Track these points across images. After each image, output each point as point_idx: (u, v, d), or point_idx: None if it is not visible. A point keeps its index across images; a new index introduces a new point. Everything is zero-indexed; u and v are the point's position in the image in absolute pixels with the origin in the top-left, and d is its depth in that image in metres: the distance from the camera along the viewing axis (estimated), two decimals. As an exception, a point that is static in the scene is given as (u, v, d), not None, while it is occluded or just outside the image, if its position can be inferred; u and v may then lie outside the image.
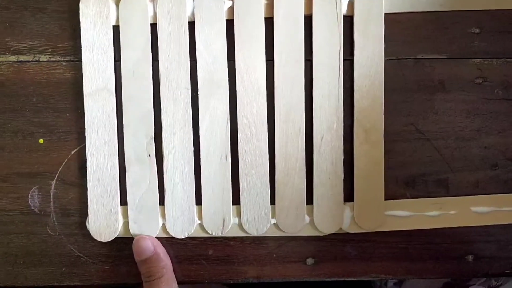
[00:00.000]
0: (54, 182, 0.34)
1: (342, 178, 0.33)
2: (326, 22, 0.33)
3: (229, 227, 0.34)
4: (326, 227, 0.33)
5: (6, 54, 0.34)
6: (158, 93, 0.33)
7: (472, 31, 0.34)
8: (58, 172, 0.34)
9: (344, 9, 0.33)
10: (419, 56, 0.34)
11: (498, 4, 0.33)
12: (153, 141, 0.33)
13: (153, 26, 0.33)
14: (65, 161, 0.34)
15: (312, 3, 0.33)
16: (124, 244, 0.34)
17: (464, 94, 0.34)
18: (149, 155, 0.34)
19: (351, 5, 0.33)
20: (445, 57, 0.34)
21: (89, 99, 0.33)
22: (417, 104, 0.34)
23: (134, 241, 0.33)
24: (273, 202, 0.34)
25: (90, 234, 0.34)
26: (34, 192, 0.34)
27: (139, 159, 0.34)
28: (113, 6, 0.33)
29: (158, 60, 0.33)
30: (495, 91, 0.34)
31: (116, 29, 0.33)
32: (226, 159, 0.33)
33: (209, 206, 0.34)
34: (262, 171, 0.33)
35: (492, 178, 0.34)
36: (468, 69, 0.34)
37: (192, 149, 0.33)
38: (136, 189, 0.34)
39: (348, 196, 0.34)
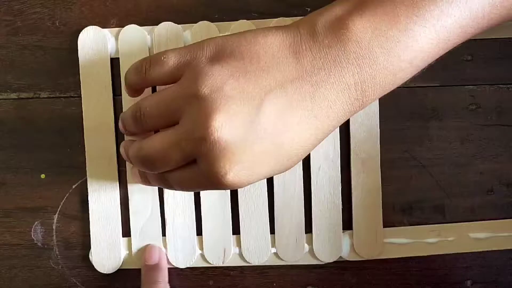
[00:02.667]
0: (56, 216, 0.35)
1: (341, 207, 0.34)
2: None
3: (230, 256, 0.34)
4: (325, 256, 0.34)
5: (7, 92, 0.35)
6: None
7: (464, 58, 0.34)
8: (60, 206, 0.35)
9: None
10: (412, 85, 0.34)
11: (488, 33, 0.34)
12: (154, 172, 0.34)
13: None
14: (67, 195, 0.35)
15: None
16: (126, 275, 0.35)
17: (458, 121, 0.34)
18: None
19: (345, 36, 0.34)
20: (438, 84, 0.34)
21: (89, 134, 0.34)
22: (411, 132, 0.34)
23: (146, 246, 0.34)
24: (272, 231, 0.34)
25: (93, 266, 0.34)
26: (37, 226, 0.35)
27: (141, 188, 0.34)
28: (111, 39, 0.34)
29: (157, 94, 0.34)
30: (489, 117, 0.34)
31: (115, 62, 0.34)
32: (225, 190, 0.34)
33: (209, 236, 0.34)
34: (261, 201, 0.34)
35: (488, 203, 0.35)
36: (461, 96, 0.34)
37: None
38: (139, 217, 0.34)
39: (347, 224, 0.34)
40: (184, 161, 0.26)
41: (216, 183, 0.25)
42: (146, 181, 0.31)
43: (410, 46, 0.25)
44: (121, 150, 0.31)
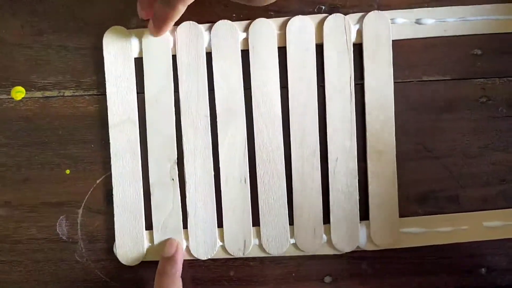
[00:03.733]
0: (81, 210, 0.36)
1: (357, 198, 0.35)
2: (337, 49, 0.35)
3: (250, 248, 0.35)
4: (343, 246, 0.35)
5: (32, 91, 0.36)
6: (179, 121, 0.35)
7: (474, 52, 0.36)
8: (85, 200, 0.36)
9: (353, 37, 0.35)
10: (424, 78, 0.35)
11: (498, 28, 0.35)
12: (176, 165, 0.35)
13: (174, 57, 0.35)
14: (91, 190, 0.36)
15: (323, 32, 0.35)
16: (149, 267, 0.36)
17: (469, 113, 0.35)
18: (172, 179, 0.35)
19: (359, 33, 0.35)
20: (449, 78, 0.36)
21: (114, 130, 0.35)
22: (424, 124, 0.35)
23: (166, 240, 0.35)
24: (291, 222, 0.35)
25: (116, 259, 0.35)
26: (62, 220, 0.36)
27: (163, 184, 0.35)
28: (135, 40, 0.35)
29: (178, 90, 0.35)
30: (499, 109, 0.36)
31: (137, 61, 0.35)
32: (245, 182, 0.35)
33: (230, 228, 0.35)
34: (280, 193, 0.35)
35: (501, 193, 0.35)
36: (472, 89, 0.36)
37: (213, 173, 0.35)
38: (160, 212, 0.35)
39: (364, 214, 0.35)
40: None
41: None
42: (156, 20, 0.33)
43: None
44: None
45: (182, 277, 0.34)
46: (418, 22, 0.35)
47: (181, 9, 0.31)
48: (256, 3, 0.32)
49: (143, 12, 0.34)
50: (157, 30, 0.34)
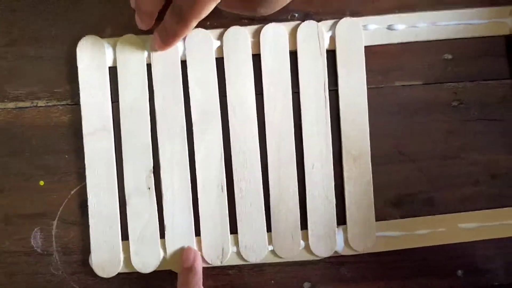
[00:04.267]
0: (55, 222, 0.35)
1: (334, 203, 0.35)
2: (310, 56, 0.35)
3: (228, 256, 0.35)
4: (321, 251, 0.35)
5: (5, 102, 0.35)
6: (155, 130, 0.35)
7: (445, 57, 0.36)
8: (59, 212, 0.35)
9: (326, 44, 0.35)
10: (397, 83, 0.36)
11: (467, 33, 0.36)
12: (152, 174, 0.35)
13: (148, 66, 0.35)
14: (65, 201, 0.35)
15: (296, 39, 0.35)
16: (126, 279, 0.35)
17: (442, 117, 0.36)
18: (149, 188, 0.35)
19: (332, 40, 0.35)
20: (421, 83, 0.36)
21: (88, 139, 0.35)
22: (398, 128, 0.36)
23: (183, 249, 0.35)
24: (269, 229, 0.35)
25: (92, 271, 0.35)
26: (36, 232, 0.35)
27: (139, 193, 0.35)
28: (109, 49, 0.35)
29: (154, 99, 0.35)
30: (471, 112, 0.36)
31: (112, 70, 0.35)
32: (222, 190, 0.35)
33: (208, 237, 0.35)
34: (257, 199, 0.35)
35: (475, 195, 0.36)
36: (444, 93, 0.36)
37: (190, 181, 0.35)
38: (137, 222, 0.35)
39: (341, 219, 0.35)
40: None
41: None
42: (163, 34, 0.32)
43: None
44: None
45: (163, 286, 0.34)
46: (389, 28, 0.36)
47: (194, 25, 0.31)
48: (262, 13, 0.32)
49: (143, 24, 0.34)
50: (165, 45, 0.33)
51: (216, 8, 0.29)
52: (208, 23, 0.35)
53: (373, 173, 0.35)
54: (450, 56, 0.36)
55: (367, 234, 0.35)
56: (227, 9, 0.33)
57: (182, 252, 0.34)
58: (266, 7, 0.32)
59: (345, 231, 0.35)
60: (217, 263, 0.35)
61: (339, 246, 0.35)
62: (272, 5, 0.31)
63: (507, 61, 0.36)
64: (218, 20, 0.35)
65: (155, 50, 0.34)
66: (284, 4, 0.32)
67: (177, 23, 0.31)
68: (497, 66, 0.36)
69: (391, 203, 0.36)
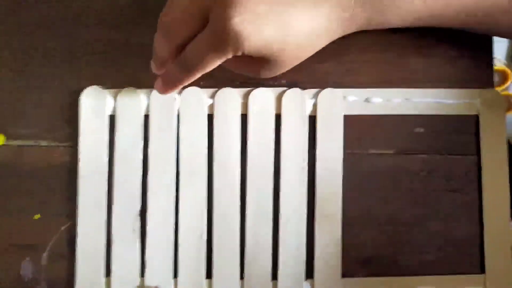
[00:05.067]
0: (45, 254, 0.38)
1: (304, 257, 0.38)
2: (293, 120, 0.38)
3: (202, 299, 0.37)
4: (288, 302, 0.37)
5: (11, 139, 0.38)
6: (146, 177, 0.38)
7: (417, 131, 0.40)
8: (49, 245, 0.38)
9: (308, 110, 0.39)
10: (371, 151, 0.39)
11: (439, 110, 0.39)
12: (139, 217, 0.38)
13: (145, 117, 0.38)
14: (56, 236, 0.38)
15: (281, 104, 0.38)
16: (105, 313, 0.38)
17: (411, 185, 0.39)
18: (134, 230, 0.38)
19: (315, 107, 0.39)
20: (393, 152, 0.39)
21: (83, 181, 0.38)
22: (369, 193, 0.39)
23: None
24: (242, 277, 0.38)
25: (75, 303, 0.37)
26: (27, 263, 0.38)
27: (124, 234, 0.37)
28: (110, 99, 0.38)
29: (148, 148, 0.38)
30: (438, 182, 0.39)
31: (111, 118, 0.38)
32: (201, 238, 0.38)
33: (185, 279, 0.37)
34: (233, 249, 0.37)
35: (436, 260, 0.39)
36: (414, 163, 0.39)
37: (173, 227, 0.38)
38: (120, 261, 0.37)
39: (309, 273, 0.38)
40: (200, 18, 0.30)
41: (222, 29, 0.29)
42: (167, 80, 0.34)
43: None
44: (151, 62, 0.35)
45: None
46: (367, 100, 0.39)
47: (197, 77, 0.32)
48: (264, 76, 0.35)
49: (155, 68, 0.35)
50: (166, 90, 0.35)
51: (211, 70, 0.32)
52: (202, 83, 0.39)
53: (343, 233, 0.38)
54: (421, 130, 0.40)
55: (333, 290, 0.37)
56: (231, 68, 0.35)
57: None
58: (269, 71, 0.34)
59: (312, 285, 0.38)
60: (191, 305, 0.37)
61: (306, 299, 0.38)
62: (275, 70, 0.34)
63: (474, 139, 0.40)
64: (212, 80, 0.39)
65: (158, 92, 0.36)
66: (285, 70, 0.34)
67: (181, 73, 0.33)
68: (464, 143, 0.40)
69: (358, 261, 0.38)
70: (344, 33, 0.34)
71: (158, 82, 0.35)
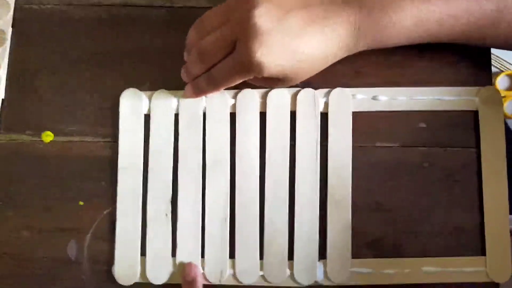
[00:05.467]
0: (88, 236, 0.43)
1: (317, 240, 0.42)
2: (307, 117, 0.43)
3: (226, 277, 0.42)
4: (303, 280, 0.41)
5: (59, 136, 0.44)
6: (176, 168, 0.43)
7: (420, 126, 0.43)
8: (92, 228, 0.43)
9: (321, 108, 0.43)
10: (377, 144, 0.43)
11: (441, 107, 0.43)
12: (170, 204, 0.42)
13: (176, 116, 0.43)
14: (98, 220, 0.43)
15: (296, 102, 0.43)
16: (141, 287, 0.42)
17: (414, 175, 0.43)
18: (166, 215, 0.42)
19: (326, 105, 0.43)
20: (398, 145, 0.43)
21: (122, 172, 0.43)
22: (376, 182, 0.43)
23: (185, 264, 0.41)
24: (261, 257, 0.42)
25: (114, 279, 0.42)
26: (72, 243, 0.43)
27: (157, 218, 0.42)
28: (145, 100, 0.44)
29: (177, 143, 0.43)
30: (439, 173, 0.43)
31: (146, 118, 0.44)
32: (226, 221, 0.42)
33: (210, 259, 0.42)
34: (253, 232, 0.42)
35: (438, 244, 0.42)
36: (416, 156, 0.43)
37: (201, 212, 0.42)
38: (154, 242, 0.42)
39: (322, 254, 0.42)
40: (228, 45, 0.37)
41: (247, 60, 0.36)
42: (196, 90, 0.42)
43: (400, 12, 0.37)
44: (182, 72, 0.42)
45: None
46: (374, 98, 0.43)
47: (223, 89, 0.42)
48: (278, 87, 0.42)
49: (187, 80, 0.42)
50: (195, 96, 0.42)
51: None
52: (226, 85, 0.44)
53: (352, 218, 0.42)
54: (424, 125, 0.43)
55: (343, 269, 0.41)
56: (251, 82, 0.41)
57: (184, 266, 0.41)
58: (283, 85, 0.41)
59: (325, 265, 0.42)
60: (216, 282, 0.42)
61: (319, 277, 0.41)
62: (288, 84, 0.40)
63: (474, 133, 0.43)
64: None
65: (186, 97, 0.43)
66: (295, 84, 0.41)
67: (208, 85, 0.40)
68: (464, 136, 0.43)
69: (366, 244, 0.42)
70: (348, 53, 0.39)
71: (188, 89, 0.42)
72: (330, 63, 0.39)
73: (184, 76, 0.42)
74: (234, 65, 0.37)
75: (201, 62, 0.39)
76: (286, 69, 0.37)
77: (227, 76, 0.38)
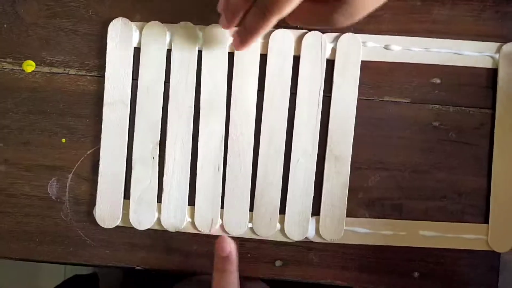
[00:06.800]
0: (70, 175, 0.41)
1: (312, 196, 0.39)
2: (311, 62, 0.39)
3: (216, 226, 0.40)
4: (294, 235, 0.39)
5: (41, 66, 0.41)
6: (166, 108, 0.40)
7: (434, 81, 0.40)
8: (75, 167, 0.41)
9: (327, 54, 0.39)
10: (386, 98, 0.40)
11: (457, 61, 0.40)
12: (158, 146, 0.40)
13: (168, 51, 0.40)
14: (81, 159, 0.41)
15: (301, 46, 0.39)
16: (123, 232, 0.41)
17: (421, 134, 0.40)
18: (153, 158, 0.40)
19: (333, 51, 0.39)
20: (408, 101, 0.40)
21: (107, 109, 0.40)
22: (380, 139, 0.40)
23: (219, 237, 0.35)
24: (251, 209, 0.40)
25: (95, 221, 0.40)
26: (53, 182, 0.41)
27: (144, 161, 0.40)
28: (136, 32, 0.40)
29: (169, 81, 0.39)
30: (449, 134, 0.40)
31: (136, 51, 0.40)
32: (218, 170, 0.40)
33: (201, 207, 0.40)
34: (244, 182, 0.39)
35: (440, 208, 0.40)
36: (427, 113, 0.40)
37: (190, 158, 0.40)
38: (138, 185, 0.40)
39: (316, 210, 0.40)
40: None
41: None
42: (244, 34, 0.35)
43: None
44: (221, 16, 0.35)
45: (154, 244, 0.39)
46: (386, 47, 0.40)
47: (274, 23, 0.32)
48: (339, 23, 0.33)
49: (228, 23, 0.35)
50: (244, 44, 0.36)
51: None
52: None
53: (351, 174, 0.39)
54: (438, 81, 0.40)
55: (336, 227, 0.39)
56: (301, 21, 0.34)
57: (217, 240, 0.35)
58: (343, 16, 0.32)
59: (317, 221, 0.39)
60: (205, 231, 0.40)
61: (310, 234, 0.39)
62: (351, 12, 0.31)
63: (490, 93, 0.40)
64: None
65: (237, 50, 0.38)
66: (362, 15, 0.32)
67: (258, 20, 0.32)
68: (480, 96, 0.40)
69: (363, 203, 0.40)
70: None
71: (235, 39, 0.37)
72: None
73: (222, 20, 0.35)
74: None
75: None
76: None
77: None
